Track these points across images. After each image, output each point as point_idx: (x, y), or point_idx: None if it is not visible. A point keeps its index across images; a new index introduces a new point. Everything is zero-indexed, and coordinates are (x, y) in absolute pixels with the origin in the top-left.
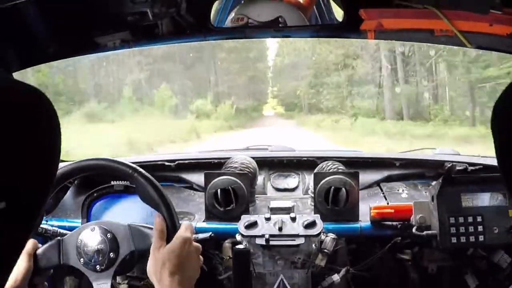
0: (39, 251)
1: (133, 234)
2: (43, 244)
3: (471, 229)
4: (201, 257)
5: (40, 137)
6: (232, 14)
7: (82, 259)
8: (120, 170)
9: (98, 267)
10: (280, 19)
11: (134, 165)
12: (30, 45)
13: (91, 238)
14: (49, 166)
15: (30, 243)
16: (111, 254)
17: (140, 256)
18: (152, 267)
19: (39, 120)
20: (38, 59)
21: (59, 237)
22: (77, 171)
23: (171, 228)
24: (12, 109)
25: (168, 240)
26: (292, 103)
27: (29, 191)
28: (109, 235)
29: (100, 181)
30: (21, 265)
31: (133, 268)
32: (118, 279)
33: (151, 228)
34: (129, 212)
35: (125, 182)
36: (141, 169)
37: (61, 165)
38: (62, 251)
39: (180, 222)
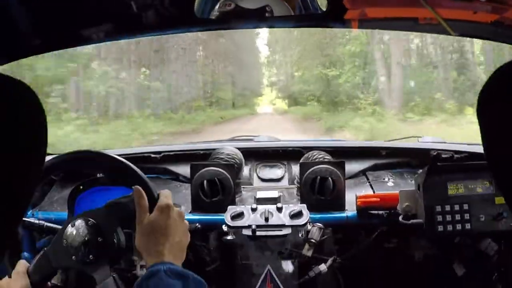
0: (30, 268)
1: (111, 211)
2: (30, 238)
3: (457, 217)
4: (186, 222)
5: (26, 130)
6: (221, 0)
7: (73, 257)
8: (107, 163)
9: (90, 257)
10: (267, 7)
11: (122, 159)
12: (13, 39)
13: (74, 233)
14: (36, 158)
15: (21, 264)
16: (99, 239)
17: (127, 235)
18: (139, 241)
19: (25, 114)
20: (22, 53)
21: (45, 248)
22: (63, 164)
23: (150, 198)
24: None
25: (150, 211)
26: (300, 94)
27: (15, 184)
28: (90, 223)
29: (86, 173)
30: (18, 286)
31: (120, 258)
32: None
33: (127, 196)
34: None
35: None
36: (129, 164)
37: (47, 158)
38: (52, 259)
39: (158, 191)
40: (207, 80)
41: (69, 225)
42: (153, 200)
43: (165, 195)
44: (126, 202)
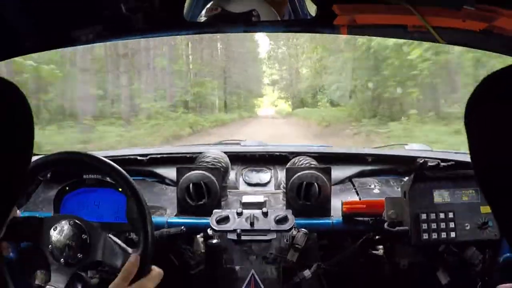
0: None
1: (106, 246)
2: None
3: (442, 225)
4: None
5: (13, 129)
6: (208, 5)
7: (50, 246)
8: (93, 165)
9: (62, 260)
10: (253, 12)
11: (111, 163)
12: (5, 37)
13: (64, 231)
14: (22, 159)
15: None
16: (79, 255)
17: (104, 266)
18: None
19: (13, 113)
20: (12, 52)
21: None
22: (49, 164)
23: (141, 267)
24: None
25: (134, 280)
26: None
27: (2, 184)
28: (84, 236)
29: (72, 174)
30: None
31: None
32: (90, 273)
33: (124, 250)
34: (101, 206)
35: (97, 176)
36: (115, 166)
37: (33, 158)
38: (35, 230)
39: (152, 267)
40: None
41: (63, 221)
42: (142, 269)
43: (154, 277)
44: (119, 254)
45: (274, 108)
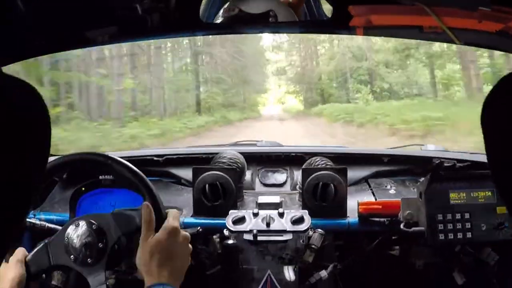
0: (28, 257)
1: (117, 219)
2: (31, 238)
3: (458, 226)
4: (190, 245)
5: (31, 130)
6: (225, 6)
7: (72, 256)
8: (96, 161)
9: (89, 260)
10: (271, 12)
11: (111, 155)
12: (18, 39)
13: (77, 233)
14: (40, 159)
15: (20, 252)
16: (100, 245)
17: (129, 240)
18: (141, 259)
19: (30, 114)
20: (27, 53)
21: (46, 240)
22: (65, 165)
23: (158, 216)
24: (3, 102)
25: (157, 229)
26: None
27: (18, 185)
28: (94, 226)
29: (88, 175)
30: (14, 274)
31: (121, 261)
32: (106, 273)
33: (135, 210)
34: (117, 207)
35: (113, 176)
36: (118, 158)
37: (50, 158)
38: (51, 253)
39: (166, 210)
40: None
41: (73, 224)
42: (160, 217)
43: (174, 216)
44: (134, 216)
45: (281, 105)
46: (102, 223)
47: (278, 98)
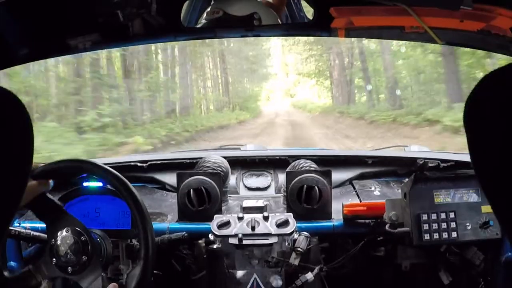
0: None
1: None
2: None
3: (443, 225)
4: None
5: (13, 138)
6: (208, 9)
7: (58, 263)
8: (95, 172)
9: (76, 267)
10: (255, 15)
11: (111, 170)
12: (0, 47)
13: (65, 240)
14: (22, 167)
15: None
16: (84, 257)
17: (114, 244)
18: None
19: (12, 122)
20: (8, 61)
21: (29, 266)
22: (50, 172)
23: (143, 221)
24: None
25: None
26: None
27: (2, 193)
28: (83, 238)
29: (73, 182)
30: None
31: (107, 268)
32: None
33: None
34: (102, 213)
35: (98, 183)
36: (115, 173)
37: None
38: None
39: None
40: None
41: (61, 231)
42: (145, 222)
43: None
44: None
45: (290, 99)
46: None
47: (285, 90)
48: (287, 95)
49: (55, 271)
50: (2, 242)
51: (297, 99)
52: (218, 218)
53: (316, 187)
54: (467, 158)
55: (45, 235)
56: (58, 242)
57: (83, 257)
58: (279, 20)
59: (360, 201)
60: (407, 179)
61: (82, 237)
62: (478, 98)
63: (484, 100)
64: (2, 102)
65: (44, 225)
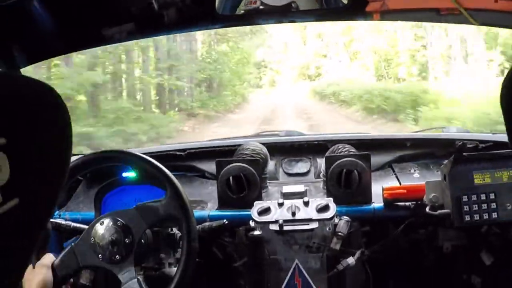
0: (56, 262)
1: (141, 213)
2: (57, 238)
3: (484, 206)
4: None
5: (51, 131)
6: None
7: (100, 256)
8: (119, 158)
9: (118, 257)
10: (293, 4)
11: (150, 159)
12: (36, 40)
13: (102, 232)
14: (62, 159)
15: (47, 257)
16: (126, 240)
17: (154, 235)
18: None
19: (50, 114)
20: (45, 54)
21: (72, 243)
22: (88, 164)
23: (184, 210)
24: (23, 104)
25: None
26: None
27: (42, 185)
28: (119, 223)
29: (112, 173)
30: (40, 279)
31: (148, 256)
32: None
33: (158, 201)
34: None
35: (135, 173)
36: (140, 154)
37: (72, 158)
38: (78, 255)
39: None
40: None
41: (98, 223)
42: (185, 211)
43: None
44: (157, 207)
45: (310, 82)
46: (126, 219)
47: (292, 78)
48: (303, 76)
49: (94, 259)
50: (44, 234)
51: (321, 83)
52: (258, 205)
53: (355, 171)
54: (505, 138)
55: (86, 226)
56: (99, 232)
57: (126, 241)
58: (317, 5)
59: (400, 184)
60: (446, 161)
61: (118, 223)
62: None
63: None
64: (38, 93)
65: (84, 216)
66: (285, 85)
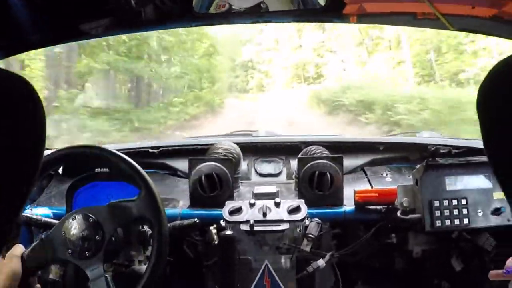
0: (26, 252)
1: (113, 211)
2: (28, 233)
3: (455, 212)
4: None
5: (25, 124)
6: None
7: (70, 250)
8: (92, 154)
9: (86, 253)
10: (262, 4)
11: (123, 156)
12: (12, 33)
13: (73, 227)
14: (35, 153)
15: (17, 248)
16: (97, 237)
17: (125, 232)
18: None
19: (24, 108)
20: (21, 47)
21: (42, 235)
22: (61, 159)
23: (156, 210)
24: None
25: (156, 218)
26: None
27: (14, 179)
28: (90, 219)
29: (84, 168)
30: (9, 269)
31: (119, 254)
32: (104, 267)
33: (132, 201)
34: (114, 199)
35: (109, 169)
36: (113, 151)
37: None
38: (48, 248)
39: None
40: None
41: (70, 218)
42: (158, 212)
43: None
44: (130, 206)
45: (308, 87)
46: (98, 216)
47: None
48: (298, 79)
49: (64, 253)
50: (15, 229)
51: (326, 86)
52: (229, 204)
53: (327, 173)
54: (478, 144)
55: (57, 221)
56: (70, 226)
57: (96, 238)
58: (289, 6)
59: (372, 187)
60: (418, 166)
61: (90, 219)
62: (491, 84)
63: (497, 86)
64: (13, 86)
65: (55, 211)
66: (277, 89)
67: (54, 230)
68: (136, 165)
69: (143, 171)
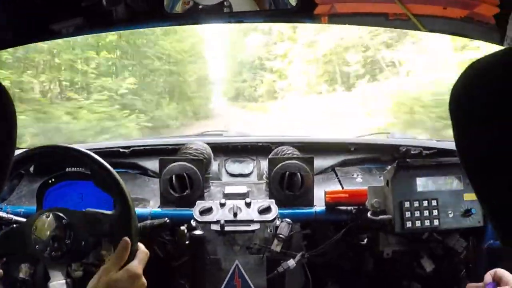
0: None
1: (88, 220)
2: None
3: (426, 213)
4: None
5: None
6: None
7: (37, 246)
8: (78, 159)
9: (53, 253)
10: (225, 2)
11: (93, 155)
12: None
13: (46, 224)
14: (5, 152)
15: None
16: (67, 241)
17: (95, 242)
18: (93, 285)
19: None
20: None
21: (13, 225)
22: (32, 158)
23: (126, 218)
24: None
25: (119, 232)
26: None
27: None
28: (64, 221)
29: (55, 168)
30: None
31: (88, 255)
32: (74, 266)
33: (108, 215)
34: (84, 199)
35: (80, 168)
36: (101, 160)
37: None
38: (17, 238)
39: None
40: None
41: (43, 215)
42: (130, 220)
43: (141, 259)
44: (105, 221)
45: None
46: (72, 219)
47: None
48: (306, 89)
49: (31, 248)
50: None
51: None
52: (200, 204)
53: (298, 174)
54: (449, 145)
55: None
56: (42, 224)
57: (66, 242)
58: (255, 6)
59: (342, 188)
60: (389, 167)
61: (64, 221)
62: (463, 85)
63: (470, 88)
64: None
65: (25, 210)
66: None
67: (25, 223)
68: (106, 164)
69: (113, 171)
